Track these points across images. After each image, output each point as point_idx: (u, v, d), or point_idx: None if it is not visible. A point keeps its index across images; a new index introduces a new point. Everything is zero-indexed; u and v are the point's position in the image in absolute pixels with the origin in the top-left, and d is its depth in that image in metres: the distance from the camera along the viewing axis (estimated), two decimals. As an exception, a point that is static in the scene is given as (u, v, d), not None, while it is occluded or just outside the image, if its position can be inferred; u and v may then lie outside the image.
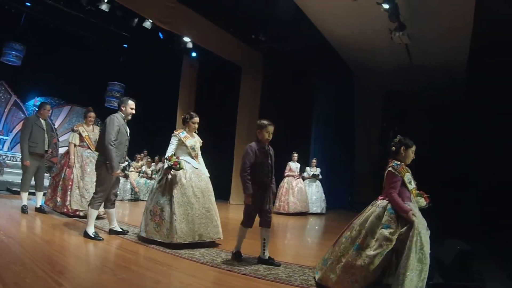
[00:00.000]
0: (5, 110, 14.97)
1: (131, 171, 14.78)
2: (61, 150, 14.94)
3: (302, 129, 15.37)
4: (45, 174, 9.31)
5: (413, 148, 4.69)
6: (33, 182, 8.81)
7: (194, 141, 7.02)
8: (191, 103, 17.18)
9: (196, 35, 13.96)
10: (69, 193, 8.58)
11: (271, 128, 5.66)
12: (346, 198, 17.93)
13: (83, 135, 8.91)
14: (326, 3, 11.67)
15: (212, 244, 6.61)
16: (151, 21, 13.23)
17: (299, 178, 13.62)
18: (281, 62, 16.16)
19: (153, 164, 16.14)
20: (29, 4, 13.52)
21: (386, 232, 4.22)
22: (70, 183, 8.64)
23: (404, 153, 4.64)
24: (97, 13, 13.24)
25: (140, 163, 15.60)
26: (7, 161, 13.95)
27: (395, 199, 4.35)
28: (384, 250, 4.14)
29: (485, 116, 14.47)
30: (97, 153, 8.90)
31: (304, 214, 13.23)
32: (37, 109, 9.24)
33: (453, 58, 13.87)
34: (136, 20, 13.55)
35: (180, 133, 6.93)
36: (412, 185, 4.54)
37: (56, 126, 16.33)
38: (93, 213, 6.73)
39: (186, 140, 6.87)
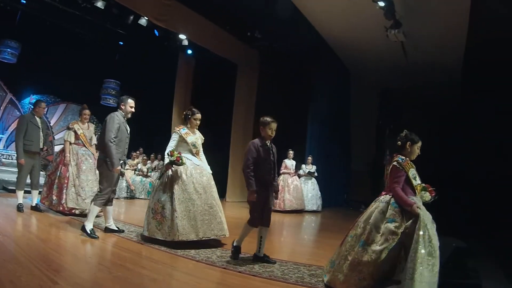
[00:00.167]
0: (1, 108, 14.95)
1: (126, 169, 14.80)
2: (57, 148, 14.95)
3: (298, 126, 15.39)
4: (41, 172, 9.30)
5: (419, 143, 4.67)
6: (28, 181, 8.78)
7: (196, 137, 6.89)
8: (186, 100, 17.18)
9: (191, 32, 13.96)
10: (64, 191, 8.56)
11: (274, 125, 5.66)
12: (342, 196, 17.99)
13: (79, 132, 8.89)
14: (321, 1, 11.67)
15: (217, 243, 6.53)
16: (147, 18, 13.22)
17: (294, 175, 13.63)
18: (277, 60, 16.16)
19: (148, 162, 16.13)
20: (24, 2, 13.47)
21: (391, 226, 4.21)
22: (66, 181, 8.62)
23: (410, 148, 4.63)
24: (93, 11, 13.23)
25: (136, 161, 15.59)
26: (3, 159, 13.94)
27: (398, 193, 4.35)
28: (390, 244, 4.12)
29: (481, 115, 14.50)
30: (92, 151, 8.99)
31: (299, 211, 13.23)
32: (32, 107, 9.21)
33: (449, 56, 13.89)
34: (131, 17, 13.54)
35: (181, 130, 6.80)
36: (417, 181, 4.53)
37: (51, 124, 16.32)
38: (95, 210, 6.77)
39: (187, 137, 6.74)
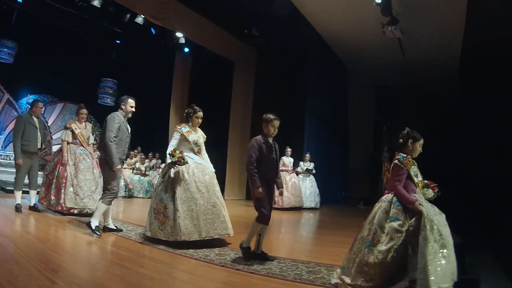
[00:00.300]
0: (-2, 108, 14.95)
1: (124, 168, 14.79)
2: (55, 148, 14.93)
3: (296, 124, 15.39)
4: (39, 173, 9.30)
5: (421, 141, 4.61)
6: (26, 181, 8.79)
7: (197, 136, 6.80)
8: (184, 98, 17.21)
9: (188, 30, 13.96)
10: (63, 191, 8.56)
11: (276, 123, 5.57)
12: (340, 193, 17.99)
13: (76, 132, 8.89)
14: (318, -2, 11.72)
15: (219, 243, 6.42)
16: (143, 16, 13.22)
17: (292, 173, 13.65)
18: (274, 57, 16.17)
19: (146, 160, 16.15)
20: (20, 1, 13.46)
21: (395, 224, 4.17)
22: (64, 181, 8.63)
23: (412, 146, 4.58)
24: (89, 10, 13.24)
25: (134, 159, 15.59)
26: (1, 160, 13.91)
27: (400, 191, 4.31)
28: (396, 243, 4.07)
29: (479, 113, 14.54)
30: (90, 150, 8.99)
31: (298, 209, 13.25)
32: (30, 107, 9.21)
33: (446, 53, 13.92)
34: (128, 16, 13.54)
35: (183, 128, 6.70)
36: (418, 178, 4.49)
37: (49, 124, 16.32)
38: (102, 207, 6.82)
39: (188, 135, 6.65)
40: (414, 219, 4.11)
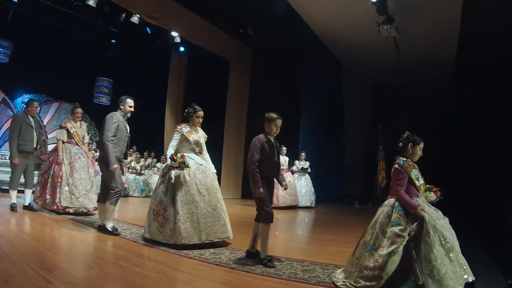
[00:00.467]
0: (-7, 108, 14.92)
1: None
2: (50, 147, 14.92)
3: (291, 122, 15.38)
4: (35, 172, 9.30)
5: (421, 145, 4.59)
6: (22, 180, 8.79)
7: (198, 136, 6.72)
8: (179, 98, 17.22)
9: (184, 29, 13.95)
10: (58, 190, 8.56)
11: (279, 122, 5.54)
12: (336, 192, 18.02)
13: (71, 131, 8.90)
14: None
15: (217, 242, 6.35)
16: (139, 16, 13.21)
17: (288, 171, 13.66)
18: (270, 56, 16.19)
19: (142, 159, 16.16)
20: (16, 1, 13.42)
21: (396, 229, 4.16)
22: (59, 180, 8.63)
23: (412, 150, 4.56)
24: (85, 9, 13.20)
25: (129, 159, 15.57)
26: (-4, 159, 13.89)
27: (402, 196, 4.30)
28: (397, 247, 4.07)
29: (474, 111, 14.60)
30: (85, 149, 9.01)
31: (293, 207, 13.26)
32: (25, 106, 9.22)
33: (442, 52, 13.95)
34: (123, 15, 13.52)
35: (183, 128, 6.60)
36: (420, 182, 4.47)
37: (44, 123, 16.27)
38: (111, 208, 6.94)
39: (189, 135, 6.55)
40: (416, 224, 4.11)
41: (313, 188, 14.25)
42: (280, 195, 12.88)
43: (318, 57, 15.97)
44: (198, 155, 6.65)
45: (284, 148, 13.50)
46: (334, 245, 7.27)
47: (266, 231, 5.41)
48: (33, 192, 9.04)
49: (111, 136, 6.79)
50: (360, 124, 19.00)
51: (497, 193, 11.92)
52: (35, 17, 14.14)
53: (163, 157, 16.05)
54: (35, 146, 8.83)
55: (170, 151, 6.33)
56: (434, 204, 4.49)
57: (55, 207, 8.50)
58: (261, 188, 5.26)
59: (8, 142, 8.90)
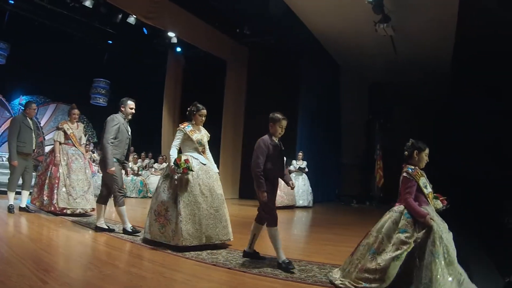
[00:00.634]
0: (-10, 109, 14.90)
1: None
2: (48, 149, 14.90)
3: (288, 122, 15.37)
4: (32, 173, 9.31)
5: (426, 151, 4.56)
6: (19, 181, 8.80)
7: (201, 135, 6.55)
8: (176, 98, 17.26)
9: (180, 30, 13.95)
10: (55, 191, 8.58)
11: (284, 123, 5.44)
12: (333, 191, 18.03)
13: (68, 132, 8.90)
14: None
15: (219, 245, 6.26)
16: (135, 16, 13.22)
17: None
18: (267, 56, 16.21)
19: (139, 160, 16.15)
20: (12, 2, 13.42)
21: (402, 236, 4.14)
22: (57, 181, 8.64)
23: (417, 157, 4.53)
24: (81, 10, 13.23)
25: (127, 159, 15.56)
26: (-5, 161, 13.88)
27: (411, 204, 4.28)
28: (401, 253, 4.06)
29: (471, 109, 14.60)
30: (82, 150, 9.02)
31: (291, 207, 13.27)
32: (22, 108, 9.23)
33: (439, 50, 13.97)
34: (120, 16, 13.53)
35: (186, 127, 6.41)
36: (428, 189, 4.45)
37: (42, 125, 16.27)
38: (122, 210, 7.05)
39: (192, 134, 6.38)
40: (423, 232, 4.10)
41: (310, 188, 14.24)
42: (278, 195, 12.78)
43: (315, 56, 15.98)
44: (201, 155, 6.51)
45: (281, 147, 13.50)
46: (332, 244, 7.28)
47: (274, 234, 5.27)
48: (30, 194, 9.05)
49: (112, 138, 6.82)
50: (357, 123, 19.02)
51: (497, 193, 11.93)
52: (31, 18, 14.17)
53: (160, 157, 16.07)
54: (33, 148, 8.86)
55: (173, 151, 6.27)
56: (440, 212, 4.49)
57: (52, 208, 8.51)
58: (265, 192, 5.13)
59: (6, 144, 8.90)
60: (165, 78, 17.19)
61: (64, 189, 8.61)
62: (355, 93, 18.70)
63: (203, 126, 6.73)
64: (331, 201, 17.08)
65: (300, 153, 14.35)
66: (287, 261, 5.11)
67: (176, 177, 6.11)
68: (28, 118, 8.79)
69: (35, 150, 9.34)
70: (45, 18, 14.28)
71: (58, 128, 9.10)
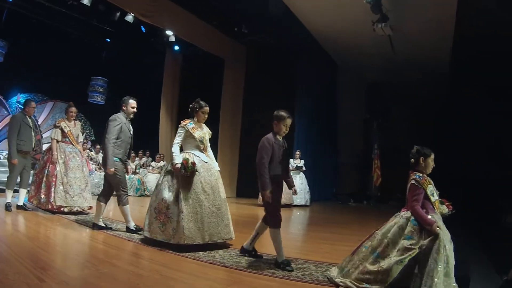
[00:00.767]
0: (-12, 107, 14.89)
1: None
2: (45, 147, 14.90)
3: (288, 121, 15.40)
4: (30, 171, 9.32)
5: (432, 156, 4.53)
6: (17, 179, 8.82)
7: (203, 132, 6.45)
8: (174, 96, 17.27)
9: (178, 28, 13.98)
10: (53, 189, 8.59)
11: (289, 121, 5.35)
12: (330, 190, 18.03)
13: (65, 130, 8.91)
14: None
15: (223, 245, 6.23)
16: (133, 15, 13.21)
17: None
18: (265, 55, 16.22)
19: (137, 158, 16.16)
20: (10, 0, 13.41)
21: (408, 242, 4.13)
22: (54, 179, 8.65)
23: (424, 163, 4.51)
24: (79, 8, 13.22)
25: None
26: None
27: (418, 212, 4.25)
28: (405, 258, 4.06)
29: (469, 108, 14.62)
30: (79, 149, 9.03)
31: (288, 206, 13.22)
32: (20, 106, 9.23)
33: (437, 49, 13.98)
34: (118, 14, 13.54)
35: (188, 124, 6.28)
36: (435, 197, 4.42)
37: (39, 123, 16.27)
38: (126, 210, 7.11)
39: (194, 132, 6.26)
40: (428, 239, 4.10)
41: (308, 187, 14.25)
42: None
43: (313, 55, 16.01)
44: (203, 153, 6.41)
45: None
46: (329, 243, 7.28)
47: (276, 235, 5.17)
48: (27, 192, 9.05)
49: (114, 138, 6.84)
50: (355, 122, 19.04)
51: (496, 193, 11.97)
52: (29, 16, 14.17)
53: (158, 156, 16.08)
54: (33, 146, 8.89)
55: (175, 148, 6.16)
56: (445, 217, 4.49)
57: (49, 207, 8.52)
58: (269, 192, 5.02)
59: (3, 142, 8.91)
60: (163, 77, 17.21)
61: (61, 187, 8.62)
62: (353, 93, 18.71)
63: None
64: (329, 200, 17.09)
65: (298, 152, 14.35)
66: (286, 261, 5.07)
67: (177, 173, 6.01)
68: (27, 116, 8.82)
69: (34, 148, 9.35)
70: (43, 16, 14.28)
71: (55, 126, 9.10)
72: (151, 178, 15.24)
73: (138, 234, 6.74)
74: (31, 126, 8.83)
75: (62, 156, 8.84)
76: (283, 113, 5.34)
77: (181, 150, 6.30)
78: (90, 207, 8.90)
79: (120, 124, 6.96)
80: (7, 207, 8.35)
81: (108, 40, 17.48)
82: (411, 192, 4.45)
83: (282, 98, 15.30)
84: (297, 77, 16.04)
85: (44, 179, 8.75)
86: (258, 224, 5.55)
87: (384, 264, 4.15)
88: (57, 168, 8.70)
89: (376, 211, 14.55)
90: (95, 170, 14.10)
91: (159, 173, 15.23)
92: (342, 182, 18.63)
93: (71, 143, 9.00)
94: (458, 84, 15.71)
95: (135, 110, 7.24)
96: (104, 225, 7.18)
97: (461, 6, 10.86)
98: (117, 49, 17.70)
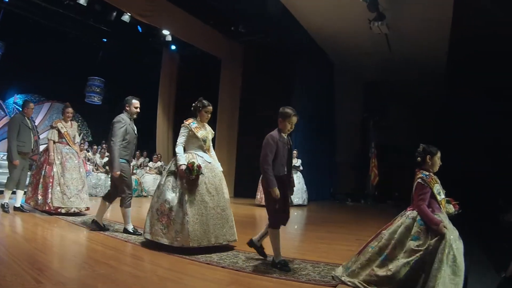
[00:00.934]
0: (-15, 108, 14.86)
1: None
2: (42, 148, 14.88)
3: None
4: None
5: (438, 154, 4.53)
6: (16, 180, 8.82)
7: (206, 132, 6.36)
8: (171, 96, 17.28)
9: (175, 28, 13.99)
10: (50, 190, 8.57)
11: (295, 119, 5.21)
12: (328, 189, 18.03)
13: (62, 131, 8.89)
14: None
15: (227, 247, 6.09)
16: (130, 14, 13.21)
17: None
18: (262, 54, 16.23)
19: (134, 159, 16.11)
20: (7, 0, 13.39)
21: (414, 243, 4.12)
22: (51, 180, 8.63)
23: (430, 161, 4.47)
24: (76, 8, 13.21)
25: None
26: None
27: (424, 211, 4.23)
28: (412, 260, 4.05)
29: (467, 107, 14.63)
30: (76, 149, 9.02)
31: (286, 205, 13.21)
32: (17, 106, 9.23)
33: (434, 48, 13.99)
34: (114, 14, 13.53)
35: (191, 123, 6.19)
36: (441, 196, 4.41)
37: (36, 123, 16.23)
38: (128, 212, 7.06)
39: (197, 131, 6.16)
40: (435, 239, 4.06)
41: (305, 186, 14.23)
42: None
43: (310, 54, 16.01)
44: (206, 153, 6.33)
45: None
46: (326, 243, 7.28)
47: (274, 235, 5.18)
48: (24, 193, 9.03)
49: (120, 140, 6.80)
50: (352, 122, 19.03)
51: (496, 193, 11.99)
52: (26, 16, 14.14)
53: (155, 156, 16.07)
54: (32, 147, 8.90)
55: (179, 149, 6.07)
56: (451, 217, 4.48)
57: (47, 208, 8.50)
58: (276, 189, 4.93)
59: (1, 143, 8.89)
60: (160, 76, 17.23)
61: (58, 188, 8.60)
62: (350, 92, 18.71)
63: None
64: (326, 200, 17.10)
65: (295, 151, 14.30)
66: (283, 261, 5.05)
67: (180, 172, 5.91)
68: (26, 117, 8.82)
69: (33, 150, 9.35)
70: (40, 16, 14.27)
71: (52, 127, 9.09)
72: (149, 179, 15.23)
73: (136, 236, 6.73)
74: (30, 127, 8.84)
75: (59, 157, 8.82)
76: (288, 110, 5.23)
77: (184, 150, 6.20)
78: (87, 208, 8.90)
79: (125, 125, 6.92)
80: (4, 208, 8.36)
81: (105, 40, 17.48)
82: (417, 191, 4.42)
83: (280, 97, 15.28)
84: (294, 77, 16.04)
85: (41, 180, 8.73)
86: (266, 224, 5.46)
87: (392, 267, 4.14)
88: (54, 169, 8.69)
89: (374, 210, 14.55)
90: (92, 171, 14.09)
91: (157, 173, 15.24)
92: (339, 181, 18.64)
93: (68, 144, 8.98)
94: (455, 84, 15.72)
95: (138, 110, 7.23)
96: (102, 225, 7.18)
97: (458, 5, 10.87)
98: (113, 49, 17.69)
